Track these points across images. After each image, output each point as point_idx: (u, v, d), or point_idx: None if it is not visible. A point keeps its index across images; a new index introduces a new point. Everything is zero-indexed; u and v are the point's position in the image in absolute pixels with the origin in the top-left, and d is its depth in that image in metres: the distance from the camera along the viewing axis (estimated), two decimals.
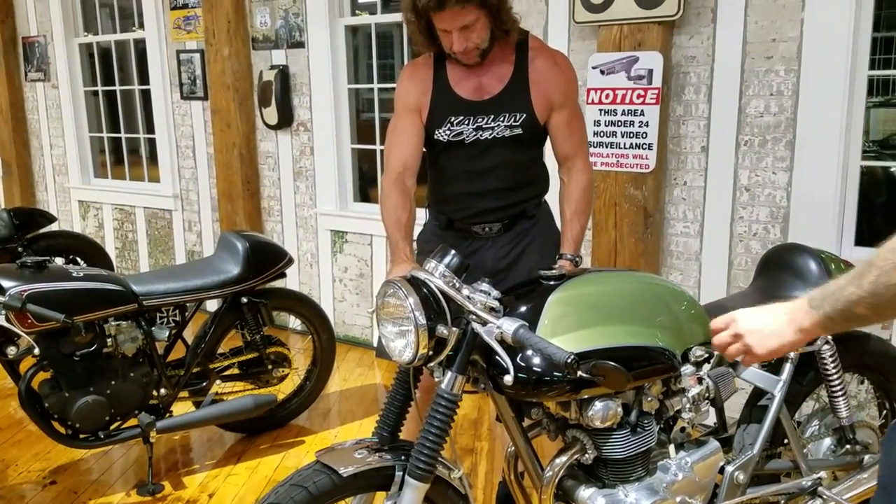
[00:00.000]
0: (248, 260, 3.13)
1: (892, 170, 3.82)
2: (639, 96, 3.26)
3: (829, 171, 3.04)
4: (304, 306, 3.52)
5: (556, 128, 2.27)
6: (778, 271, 2.15)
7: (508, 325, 1.52)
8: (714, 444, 1.96)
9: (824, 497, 2.13)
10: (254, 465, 3.18)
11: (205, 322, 3.23)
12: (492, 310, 1.63)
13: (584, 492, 1.79)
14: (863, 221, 3.11)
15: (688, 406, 1.88)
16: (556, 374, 1.63)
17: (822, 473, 2.15)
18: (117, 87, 5.76)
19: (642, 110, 3.27)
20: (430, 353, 1.64)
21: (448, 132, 2.25)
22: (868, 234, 3.11)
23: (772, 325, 1.32)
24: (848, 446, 2.26)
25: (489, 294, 1.65)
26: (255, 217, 4.93)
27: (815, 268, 2.07)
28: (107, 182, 6.03)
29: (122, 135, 5.83)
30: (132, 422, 2.97)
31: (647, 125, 3.27)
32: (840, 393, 2.18)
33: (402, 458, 1.70)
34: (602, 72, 3.33)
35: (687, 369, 1.86)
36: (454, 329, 1.62)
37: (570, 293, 1.76)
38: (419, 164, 2.28)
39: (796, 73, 3.07)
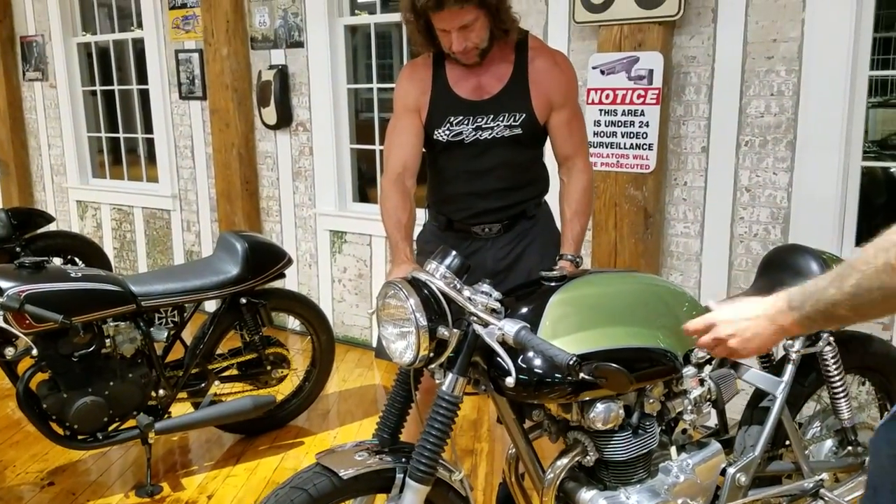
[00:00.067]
0: (247, 260, 3.12)
1: (892, 170, 3.82)
2: (639, 96, 3.25)
3: (829, 171, 3.04)
4: (303, 307, 3.51)
5: (555, 128, 2.26)
6: (779, 272, 2.14)
7: (510, 327, 1.52)
8: (716, 445, 1.95)
9: (826, 499, 2.13)
10: (253, 467, 3.17)
11: (203, 323, 3.22)
12: (493, 311, 1.62)
13: (586, 494, 1.78)
14: (863, 222, 3.11)
15: (689, 408, 1.88)
16: (557, 375, 1.62)
17: (824, 475, 2.14)
18: (115, 87, 5.75)
19: (642, 110, 3.26)
20: (431, 354, 1.63)
21: (447, 132, 2.24)
22: (868, 235, 3.09)
23: (752, 328, 1.32)
24: (849, 448, 2.25)
25: (490, 295, 1.65)
26: (254, 217, 4.92)
27: (816, 269, 2.06)
28: (105, 182, 6.01)
29: (121, 135, 5.82)
30: (131, 423, 2.95)
31: (647, 125, 3.26)
32: (842, 394, 2.17)
33: (403, 460, 1.69)
34: (602, 72, 3.32)
35: (688, 371, 1.85)
36: (455, 330, 1.62)
37: (572, 294, 1.75)
38: (419, 165, 2.27)
39: (797, 73, 3.06)
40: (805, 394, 2.23)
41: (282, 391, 3.50)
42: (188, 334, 3.23)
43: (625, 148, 3.33)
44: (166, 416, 3.08)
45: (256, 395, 3.20)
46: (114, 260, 5.71)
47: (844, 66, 2.94)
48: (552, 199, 2.41)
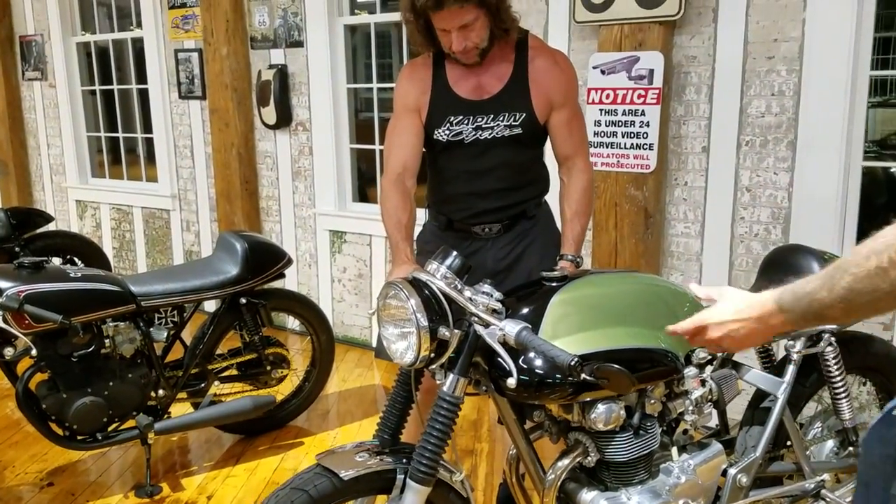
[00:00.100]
0: (246, 260, 3.11)
1: (892, 170, 3.81)
2: (639, 96, 3.25)
3: (830, 171, 3.03)
4: (303, 307, 3.51)
5: (555, 127, 2.25)
6: (781, 272, 2.14)
7: (511, 328, 1.51)
8: (717, 446, 1.95)
9: (827, 500, 2.12)
10: (252, 467, 3.16)
11: (203, 323, 3.22)
12: (494, 312, 1.62)
13: (587, 495, 1.78)
14: (864, 222, 3.10)
15: (691, 408, 1.87)
16: (558, 376, 1.62)
17: (826, 476, 2.14)
18: (115, 87, 5.74)
19: (643, 110, 3.26)
20: (432, 355, 1.62)
21: (447, 132, 2.23)
22: (869, 235, 3.09)
23: (743, 330, 1.32)
24: (851, 448, 2.25)
25: (491, 296, 1.64)
26: (254, 217, 4.91)
27: (818, 269, 2.03)
28: (104, 182, 6.01)
29: (120, 134, 5.81)
30: (130, 423, 2.95)
31: (647, 125, 3.26)
32: (843, 395, 2.17)
33: (404, 461, 1.69)
34: (603, 72, 3.31)
35: (690, 371, 1.85)
36: (456, 331, 1.61)
37: (573, 295, 1.75)
38: (419, 165, 2.26)
39: (798, 73, 3.06)
40: (806, 394, 2.23)
41: (281, 391, 3.49)
42: (188, 334, 3.23)
43: (625, 148, 3.33)
44: (166, 416, 3.07)
45: (256, 396, 3.19)
46: (113, 260, 5.70)
47: (845, 66, 2.93)
48: (552, 199, 2.40)
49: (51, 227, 4.81)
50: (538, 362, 1.63)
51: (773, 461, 2.14)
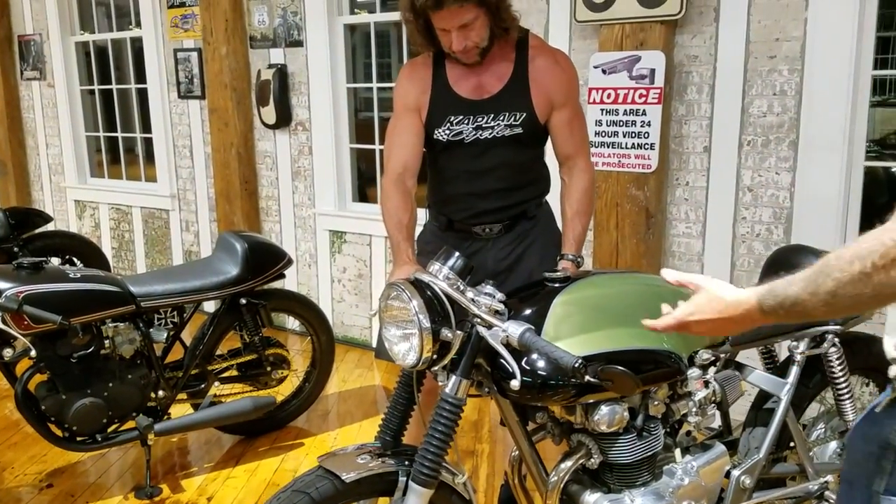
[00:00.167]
0: (246, 261, 3.10)
1: (893, 170, 3.80)
2: (641, 96, 3.24)
3: (832, 171, 3.02)
4: (303, 307, 3.50)
5: (556, 127, 2.24)
6: (785, 273, 2.13)
7: (514, 329, 1.50)
8: (720, 447, 1.94)
9: (831, 501, 2.12)
10: (253, 468, 3.15)
11: (203, 323, 3.20)
12: (496, 313, 1.61)
13: (590, 497, 1.77)
14: (866, 222, 3.10)
15: (694, 410, 1.87)
16: (561, 378, 1.61)
17: (829, 477, 2.14)
18: (114, 86, 5.73)
19: (644, 110, 3.25)
20: (434, 356, 1.61)
21: (447, 132, 2.22)
22: None
23: (725, 327, 1.32)
24: None
25: (494, 297, 1.63)
26: (253, 217, 4.90)
27: None
28: (103, 182, 5.99)
29: (119, 134, 5.79)
30: (130, 424, 2.94)
31: (649, 125, 3.25)
32: (846, 396, 2.16)
33: (406, 462, 1.68)
34: (604, 71, 3.30)
35: (693, 373, 1.84)
36: (458, 332, 1.60)
37: (575, 296, 1.74)
38: (420, 165, 2.25)
39: (800, 72, 3.05)
40: (809, 395, 2.22)
41: (282, 392, 3.48)
42: (188, 335, 3.21)
43: (626, 148, 3.32)
44: (166, 417, 3.06)
45: (256, 396, 3.18)
46: (112, 260, 5.69)
47: (847, 66, 2.93)
48: (553, 199, 2.39)
49: (49, 227, 4.80)
50: (541, 364, 1.62)
51: (777, 462, 2.14)
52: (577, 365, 1.40)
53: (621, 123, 3.31)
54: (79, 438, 2.84)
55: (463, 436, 3.38)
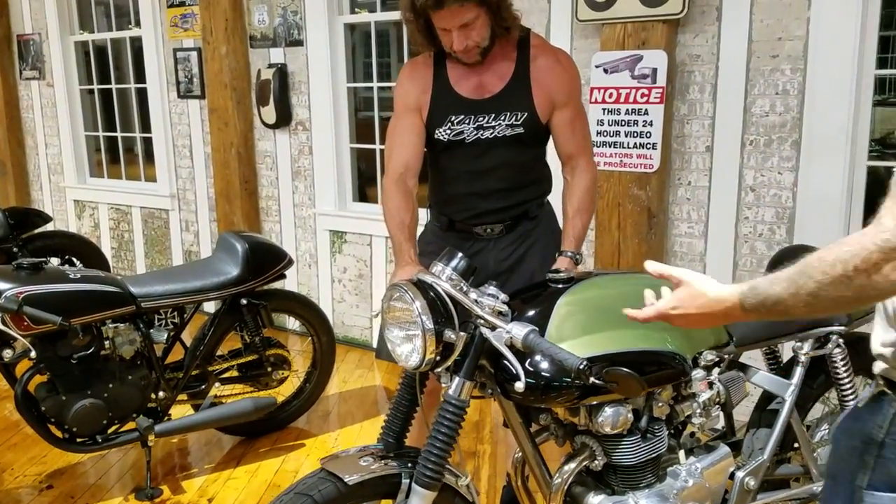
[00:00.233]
0: (247, 261, 3.09)
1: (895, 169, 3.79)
2: (643, 95, 3.23)
3: (835, 171, 3.01)
4: (303, 308, 3.48)
5: (558, 126, 2.23)
6: None
7: (518, 330, 1.49)
8: (724, 449, 1.93)
9: None
10: (253, 469, 3.14)
11: (203, 324, 3.19)
12: (500, 314, 1.60)
13: (594, 499, 1.76)
14: (868, 222, 3.08)
15: (698, 411, 1.85)
16: (565, 379, 1.60)
17: None
18: (113, 86, 5.72)
19: (646, 109, 3.24)
20: (438, 358, 1.61)
21: (448, 131, 2.21)
22: None
23: (707, 322, 1.34)
24: None
25: (497, 298, 1.62)
26: (253, 217, 4.89)
27: None
28: (103, 181, 5.98)
29: (119, 134, 5.78)
30: (130, 425, 2.93)
31: (650, 124, 3.24)
32: (851, 396, 2.15)
33: (409, 465, 1.68)
34: (605, 70, 3.29)
35: (697, 374, 1.83)
36: (462, 334, 1.60)
37: (579, 297, 1.73)
38: (421, 165, 2.24)
39: (802, 72, 3.04)
40: (813, 396, 2.21)
41: (282, 393, 3.47)
42: (188, 336, 3.20)
43: (628, 147, 3.31)
44: (166, 418, 3.05)
45: (257, 397, 3.17)
46: (112, 260, 5.68)
47: (850, 65, 2.92)
48: (555, 198, 2.38)
49: (49, 227, 4.79)
50: (545, 365, 1.61)
51: (781, 464, 2.13)
52: (581, 367, 1.39)
53: (623, 123, 3.30)
54: (79, 439, 2.83)
55: (464, 437, 3.37)
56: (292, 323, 4.61)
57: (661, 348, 1.74)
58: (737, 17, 3.13)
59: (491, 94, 2.20)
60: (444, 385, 1.67)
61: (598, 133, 3.35)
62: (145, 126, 5.48)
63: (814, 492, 2.10)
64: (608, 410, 1.67)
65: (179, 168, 5.26)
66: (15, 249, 4.35)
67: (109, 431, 2.89)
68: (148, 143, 5.46)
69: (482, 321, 1.58)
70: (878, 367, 1.22)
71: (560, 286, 1.74)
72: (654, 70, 3.18)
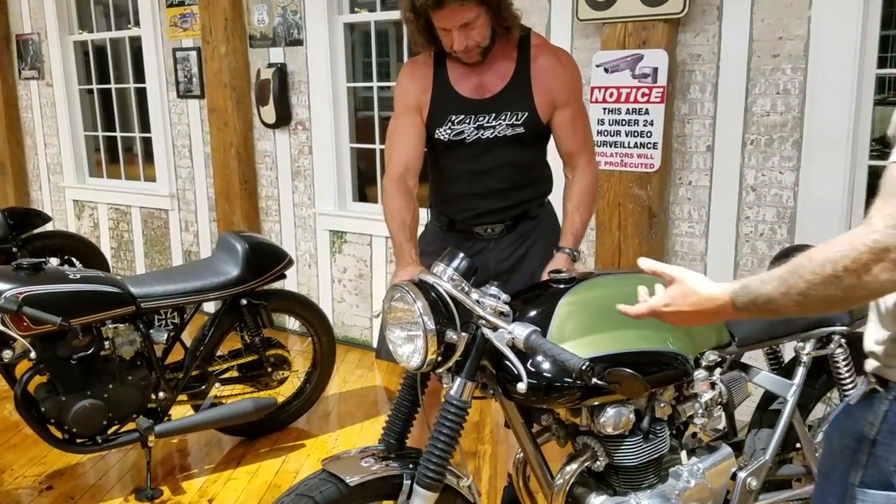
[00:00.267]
0: (247, 261, 3.08)
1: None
2: (643, 95, 3.22)
3: (836, 170, 3.01)
4: (304, 308, 3.48)
5: (559, 126, 2.23)
6: None
7: (520, 331, 1.49)
8: (726, 449, 1.93)
9: None
10: (254, 470, 3.13)
11: (204, 324, 3.19)
12: (501, 314, 1.59)
13: (595, 499, 1.75)
14: None
15: (700, 412, 1.85)
16: (567, 380, 1.59)
17: None
18: (112, 86, 5.71)
19: (647, 109, 3.23)
20: (439, 358, 1.60)
21: (449, 131, 2.21)
22: None
23: (698, 319, 1.35)
24: None
25: (498, 298, 1.62)
26: (253, 217, 4.88)
27: None
28: (102, 181, 5.97)
29: (118, 133, 5.77)
30: (130, 426, 2.92)
31: (651, 124, 3.23)
32: None
33: (410, 466, 1.67)
34: (606, 70, 3.29)
35: (699, 374, 1.82)
36: (463, 334, 1.59)
37: (581, 297, 1.73)
38: (421, 165, 2.24)
39: (803, 71, 3.04)
40: (815, 396, 2.21)
41: (282, 393, 3.47)
42: (188, 336, 3.20)
43: (629, 147, 3.30)
44: (166, 418, 3.04)
45: (257, 398, 3.16)
46: (111, 260, 5.67)
47: (851, 65, 2.91)
48: (556, 198, 2.37)
49: (48, 227, 4.79)
50: (547, 366, 1.60)
51: (783, 464, 2.12)
52: (584, 367, 1.39)
53: (624, 122, 3.29)
54: (79, 440, 2.82)
55: (465, 437, 3.32)
56: (292, 323, 4.60)
57: (663, 349, 1.74)
58: (738, 16, 3.12)
59: (491, 93, 2.19)
60: (445, 386, 1.66)
61: (599, 133, 3.34)
62: (145, 126, 5.47)
63: None
64: (610, 411, 1.67)
65: (179, 168, 5.26)
66: (14, 249, 4.34)
67: (109, 432, 2.88)
68: (147, 142, 5.46)
69: (484, 322, 1.57)
70: (870, 364, 1.23)
71: (561, 286, 1.74)
72: (655, 69, 3.18)
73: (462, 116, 2.19)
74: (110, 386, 2.82)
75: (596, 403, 1.67)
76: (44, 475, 3.10)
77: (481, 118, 2.18)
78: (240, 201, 4.78)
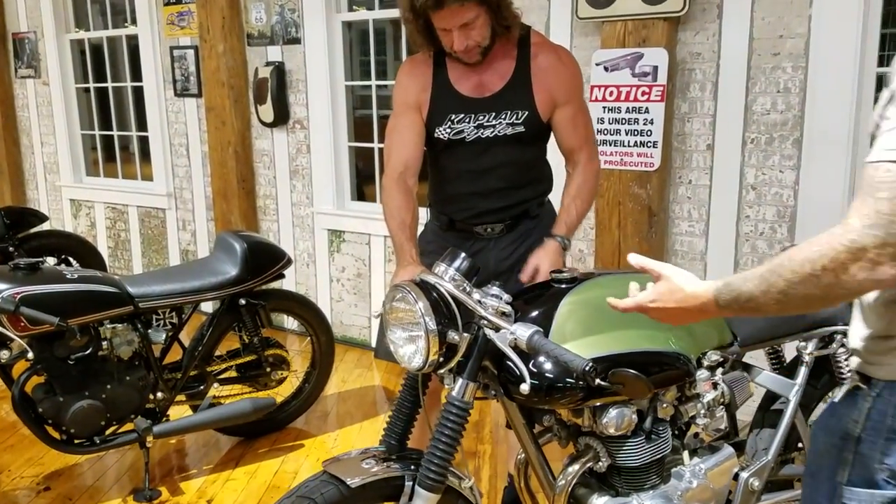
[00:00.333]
0: (246, 261, 3.07)
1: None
2: (643, 93, 3.21)
3: (837, 169, 3.00)
4: (302, 308, 3.46)
5: (560, 124, 2.22)
6: None
7: (522, 332, 1.47)
8: (728, 449, 1.92)
9: None
10: (252, 470, 3.12)
11: (202, 324, 3.17)
12: (503, 315, 1.58)
13: (598, 500, 1.74)
14: None
15: (703, 412, 1.84)
16: (570, 380, 1.58)
17: None
18: (109, 84, 5.68)
19: (647, 108, 3.22)
20: (441, 359, 1.59)
21: (449, 130, 2.20)
22: None
23: (682, 316, 1.35)
24: None
25: (500, 298, 1.61)
26: (251, 216, 4.86)
27: None
28: (99, 180, 5.95)
29: (115, 132, 5.75)
30: (128, 426, 2.91)
31: (651, 123, 3.22)
32: None
33: (412, 467, 1.66)
34: (606, 68, 3.28)
35: (702, 374, 1.82)
36: (465, 335, 1.58)
37: (582, 297, 1.72)
38: (421, 163, 2.23)
39: (804, 69, 3.03)
40: (817, 396, 2.19)
41: (281, 393, 3.45)
42: (186, 336, 3.18)
43: (629, 146, 3.29)
44: (164, 419, 3.03)
45: (256, 398, 3.15)
46: (108, 259, 5.65)
47: (852, 63, 2.90)
48: (556, 197, 2.36)
49: (45, 226, 4.77)
50: (549, 366, 1.60)
51: (785, 464, 2.11)
52: (587, 368, 1.38)
53: (623, 121, 3.29)
54: (76, 441, 2.81)
55: (464, 437, 3.34)
56: (291, 323, 4.59)
57: (665, 349, 1.73)
58: (738, 14, 3.11)
59: (491, 92, 2.18)
60: (447, 387, 1.65)
61: (599, 131, 3.33)
62: (141, 125, 5.44)
63: None
64: (612, 412, 1.66)
65: (176, 167, 5.24)
66: (11, 249, 4.32)
67: (107, 433, 2.87)
68: (144, 141, 5.43)
69: (486, 322, 1.56)
70: (853, 361, 1.24)
71: (563, 286, 1.73)
72: (655, 68, 3.17)
73: (462, 115, 2.18)
74: (108, 386, 2.81)
75: (598, 404, 1.66)
76: (41, 476, 3.08)
77: (481, 117, 2.17)
78: (237, 200, 4.77)
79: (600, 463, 1.73)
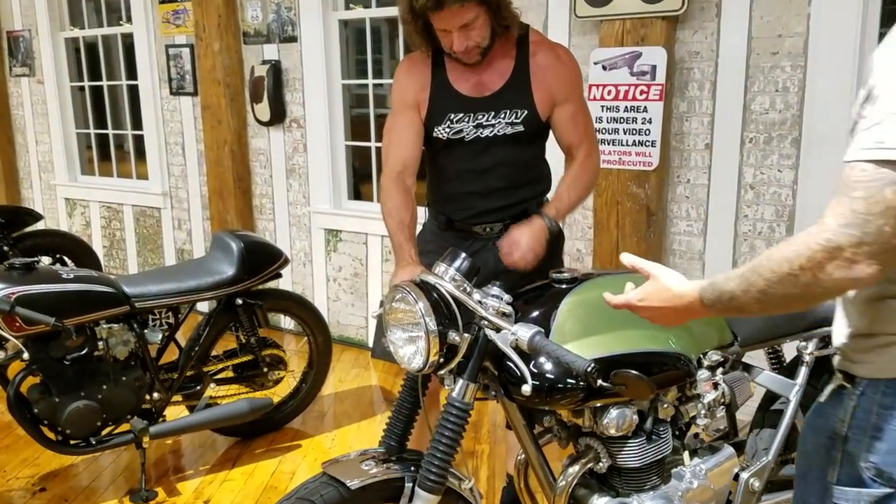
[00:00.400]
0: (242, 260, 3.06)
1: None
2: (641, 92, 3.21)
3: (836, 168, 2.99)
4: (299, 307, 3.45)
5: (560, 122, 2.22)
6: None
7: (524, 332, 1.46)
8: (729, 450, 1.91)
9: None
10: (249, 471, 3.11)
11: (198, 324, 3.16)
12: (504, 315, 1.57)
13: (598, 501, 1.74)
14: None
15: (703, 412, 1.83)
16: (571, 381, 1.57)
17: None
18: (104, 83, 5.65)
19: (645, 107, 3.21)
20: (441, 360, 1.58)
21: (448, 130, 2.19)
22: None
23: (669, 316, 1.36)
24: None
25: (501, 299, 1.60)
26: (247, 215, 4.85)
27: None
28: (94, 179, 5.92)
29: (110, 131, 5.72)
30: (124, 427, 2.89)
31: (649, 122, 3.22)
32: None
33: (412, 468, 1.65)
34: (604, 67, 3.27)
35: (702, 374, 1.81)
36: (466, 335, 1.57)
37: (583, 297, 1.71)
38: (419, 162, 2.22)
39: (802, 69, 3.02)
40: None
41: (278, 393, 3.44)
42: (183, 336, 3.16)
43: (627, 145, 3.28)
44: (161, 419, 3.01)
45: (252, 398, 3.13)
46: (103, 259, 5.62)
47: (851, 62, 2.90)
48: None
49: (39, 225, 4.75)
50: (550, 367, 1.59)
51: (785, 464, 2.11)
52: (589, 369, 1.37)
53: (622, 120, 3.28)
54: (72, 441, 2.79)
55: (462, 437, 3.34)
56: (288, 323, 4.57)
57: (665, 349, 1.72)
58: (736, 13, 3.11)
59: (491, 91, 2.18)
60: (447, 387, 1.64)
61: (597, 131, 3.30)
62: (137, 123, 5.42)
63: None
64: (613, 412, 1.65)
65: (172, 166, 5.21)
66: (6, 248, 4.30)
67: (103, 433, 2.85)
68: (139, 140, 5.41)
69: (486, 322, 1.55)
70: (836, 360, 1.25)
71: (563, 287, 1.72)
72: (654, 67, 3.16)
73: (461, 115, 2.17)
74: (104, 387, 2.79)
75: (599, 405, 1.65)
76: (37, 477, 3.06)
77: (480, 116, 2.17)
78: (234, 199, 4.75)
79: (601, 463, 1.73)
